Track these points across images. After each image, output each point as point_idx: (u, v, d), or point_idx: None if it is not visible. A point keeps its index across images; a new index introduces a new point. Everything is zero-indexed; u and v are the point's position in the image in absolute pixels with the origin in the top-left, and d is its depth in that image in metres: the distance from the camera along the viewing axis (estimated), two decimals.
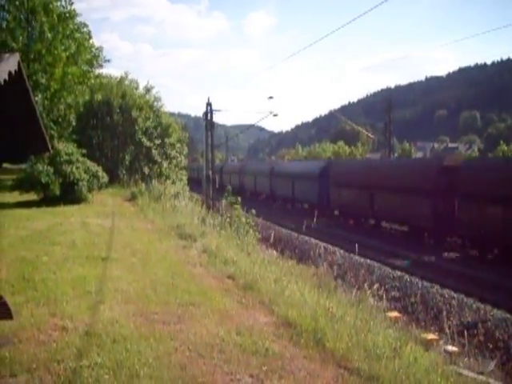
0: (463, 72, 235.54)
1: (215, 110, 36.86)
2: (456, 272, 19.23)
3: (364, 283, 12.63)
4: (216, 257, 13.83)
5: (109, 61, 52.39)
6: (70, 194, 25.97)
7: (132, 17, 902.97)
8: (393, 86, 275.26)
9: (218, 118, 39.13)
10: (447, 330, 10.75)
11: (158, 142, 42.19)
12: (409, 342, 8.42)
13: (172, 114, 58.71)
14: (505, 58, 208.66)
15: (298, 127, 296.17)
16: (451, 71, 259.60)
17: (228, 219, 21.17)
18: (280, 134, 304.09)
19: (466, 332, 11.15)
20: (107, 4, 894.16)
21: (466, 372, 8.37)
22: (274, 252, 18.61)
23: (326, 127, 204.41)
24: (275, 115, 40.88)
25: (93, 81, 45.13)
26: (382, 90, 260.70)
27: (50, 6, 40.32)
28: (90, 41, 45.47)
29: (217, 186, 37.64)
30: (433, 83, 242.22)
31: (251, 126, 62.89)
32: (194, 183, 53.68)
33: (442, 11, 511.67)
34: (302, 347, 7.35)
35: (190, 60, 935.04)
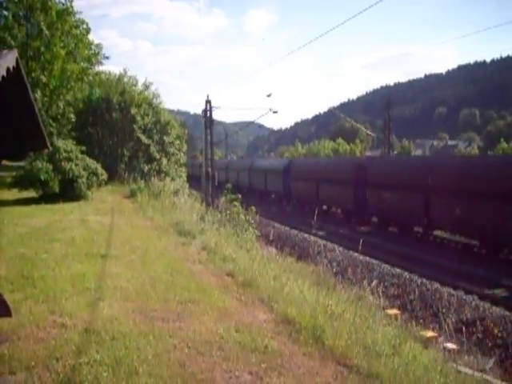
0: (462, 69, 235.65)
1: (214, 107, 36.74)
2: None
3: (362, 280, 12.63)
4: (215, 254, 13.84)
5: (108, 58, 52.41)
6: (69, 191, 25.95)
7: (131, 14, 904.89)
8: (392, 83, 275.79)
9: (217, 115, 39.35)
10: (446, 328, 10.75)
11: (156, 138, 42.18)
12: (408, 339, 8.42)
13: (171, 111, 58.85)
14: (504, 55, 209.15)
15: (297, 124, 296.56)
16: (450, 69, 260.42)
17: (227, 216, 21.17)
18: (279, 131, 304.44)
19: (461, 328, 11.14)
20: (107, 1, 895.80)
21: (465, 369, 8.37)
22: (274, 249, 18.61)
23: (326, 124, 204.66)
24: (275, 112, 40.72)
25: (91, 77, 45.10)
26: (382, 88, 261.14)
27: (49, 3, 40.23)
28: (89, 36, 45.39)
29: (216, 183, 37.58)
30: (432, 81, 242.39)
31: (251, 123, 62.76)
32: (194, 180, 54.02)
33: (441, 9, 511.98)
34: (301, 344, 7.34)
35: (189, 57, 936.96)
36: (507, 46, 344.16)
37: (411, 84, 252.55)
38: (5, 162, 13.14)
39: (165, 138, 42.66)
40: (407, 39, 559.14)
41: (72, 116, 42.08)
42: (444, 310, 14.16)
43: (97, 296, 9.08)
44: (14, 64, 6.45)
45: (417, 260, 20.89)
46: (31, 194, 26.31)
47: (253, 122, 56.99)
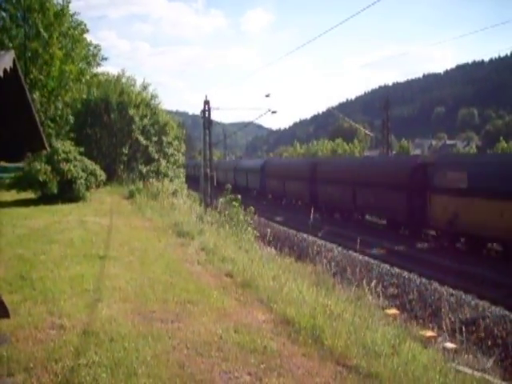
0: (461, 69, 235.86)
1: (213, 108, 36.80)
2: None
3: (362, 279, 12.61)
4: (214, 254, 13.82)
5: (106, 59, 52.46)
6: (67, 193, 25.95)
7: (130, 15, 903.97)
8: (391, 83, 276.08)
9: (215, 116, 39.59)
10: (445, 327, 10.74)
11: (155, 139, 42.19)
12: (407, 339, 8.40)
13: (170, 112, 58.92)
14: (502, 55, 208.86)
15: (296, 124, 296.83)
16: (449, 68, 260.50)
17: (226, 217, 21.16)
18: (278, 131, 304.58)
19: (460, 328, 11.13)
20: (105, 2, 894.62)
21: (464, 369, 8.36)
22: (273, 249, 18.59)
23: (324, 124, 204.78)
24: (274, 112, 40.77)
25: (88, 77, 45.12)
26: (380, 88, 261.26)
27: (47, 4, 40.25)
28: (86, 36, 45.41)
29: (215, 184, 37.61)
30: (431, 80, 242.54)
31: (249, 124, 63.02)
32: (192, 181, 54.57)
33: (439, 9, 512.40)
34: (301, 345, 7.33)
35: (187, 58, 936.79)
36: (505, 46, 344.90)
37: (410, 84, 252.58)
38: (3, 163, 13.14)
39: (163, 138, 42.66)
40: (405, 39, 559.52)
41: (70, 117, 42.11)
42: (443, 310, 14.15)
43: (95, 297, 9.07)
44: (11, 65, 6.44)
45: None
46: (30, 195, 26.31)
47: (251, 123, 57.25)
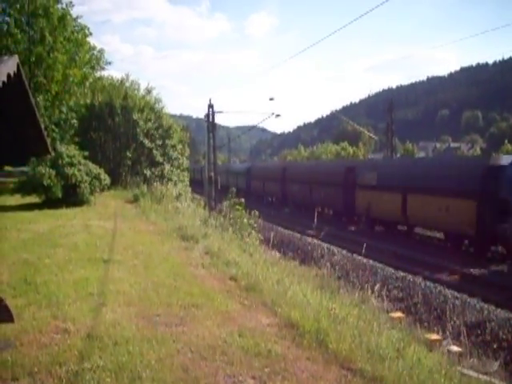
0: (465, 72, 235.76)
1: (217, 112, 36.81)
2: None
3: (367, 283, 12.59)
4: (218, 258, 13.81)
5: (110, 63, 52.66)
6: (71, 197, 25.99)
7: (133, 19, 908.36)
8: (395, 86, 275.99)
9: (219, 120, 39.75)
10: (450, 330, 10.71)
11: (159, 143, 42.25)
12: (412, 342, 8.37)
13: (174, 116, 59.12)
14: (506, 57, 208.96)
15: (300, 128, 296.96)
16: (453, 71, 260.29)
17: (230, 220, 21.15)
18: (282, 134, 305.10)
19: (465, 331, 11.10)
20: (109, 7, 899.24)
21: (469, 372, 8.33)
22: (277, 253, 18.58)
23: (328, 128, 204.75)
24: (278, 116, 40.81)
25: (91, 80, 45.21)
26: (384, 91, 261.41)
27: (51, 9, 40.38)
28: (89, 39, 45.51)
29: (219, 187, 37.65)
30: (435, 83, 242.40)
31: (253, 127, 63.17)
32: (196, 184, 55.22)
33: (443, 11, 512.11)
34: (305, 348, 7.32)
35: (191, 62, 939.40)
36: (509, 48, 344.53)
37: (414, 87, 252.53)
38: (7, 168, 13.17)
39: (167, 142, 42.71)
40: (409, 42, 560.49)
41: (75, 121, 42.21)
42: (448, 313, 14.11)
43: (100, 301, 9.07)
44: (15, 70, 6.45)
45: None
46: (34, 199, 26.35)
47: (255, 126, 57.39)
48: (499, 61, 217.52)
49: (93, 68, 47.54)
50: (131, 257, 13.39)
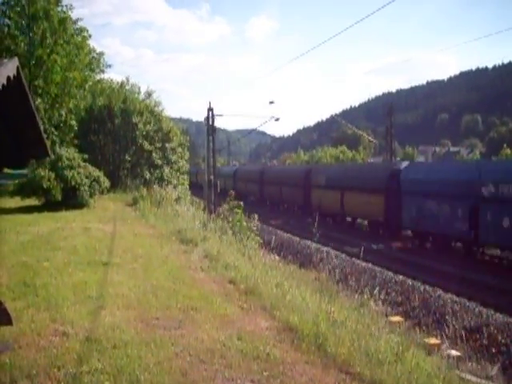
0: (464, 76, 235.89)
1: (217, 115, 36.84)
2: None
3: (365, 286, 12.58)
4: (217, 261, 13.80)
5: (110, 66, 52.73)
6: (71, 199, 26.00)
7: (134, 22, 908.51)
8: (394, 90, 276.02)
9: (219, 123, 39.77)
10: (449, 334, 10.70)
11: (158, 145, 42.26)
12: (411, 346, 8.36)
13: (174, 119, 59.16)
14: (506, 61, 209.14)
15: (299, 131, 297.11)
16: (452, 75, 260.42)
17: (229, 224, 21.14)
18: (282, 138, 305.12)
19: (464, 336, 11.10)
20: (109, 9, 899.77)
21: (468, 376, 8.33)
22: (276, 256, 18.56)
23: (328, 131, 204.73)
24: (277, 119, 40.87)
25: (91, 82, 45.25)
26: (384, 94, 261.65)
27: (51, 12, 40.44)
28: (88, 42, 45.58)
29: (218, 190, 37.67)
30: (434, 87, 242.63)
31: (253, 131, 63.47)
32: (196, 187, 55.47)
33: (443, 15, 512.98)
34: (304, 352, 7.32)
35: (191, 65, 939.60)
36: (509, 52, 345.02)
37: (413, 90, 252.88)
38: (7, 170, 13.16)
39: (167, 145, 42.72)
40: (409, 45, 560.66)
41: (74, 124, 42.22)
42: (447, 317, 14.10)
43: (98, 304, 9.07)
44: (15, 72, 6.46)
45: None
46: (33, 201, 26.36)
47: (255, 130, 57.52)
48: (499, 65, 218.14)
49: (92, 71, 47.60)
50: (130, 260, 13.39)
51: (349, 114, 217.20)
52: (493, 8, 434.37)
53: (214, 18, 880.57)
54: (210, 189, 36.19)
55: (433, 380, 6.81)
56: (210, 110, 36.27)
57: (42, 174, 25.57)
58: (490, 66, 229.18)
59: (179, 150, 44.23)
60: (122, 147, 41.90)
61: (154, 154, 41.64)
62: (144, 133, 41.59)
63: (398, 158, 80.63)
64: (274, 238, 21.18)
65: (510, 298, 16.27)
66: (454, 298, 16.03)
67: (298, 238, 28.31)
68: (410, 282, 18.36)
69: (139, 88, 47.80)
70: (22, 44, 41.25)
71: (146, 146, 41.23)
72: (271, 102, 41.91)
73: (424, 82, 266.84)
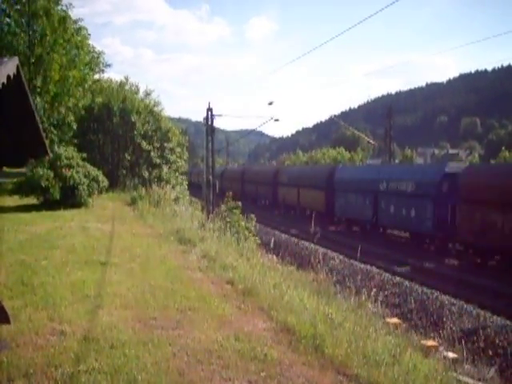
0: (464, 78, 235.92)
1: (216, 115, 36.78)
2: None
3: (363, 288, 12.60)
4: (215, 262, 13.80)
5: (110, 65, 52.66)
6: (69, 198, 25.94)
7: (134, 22, 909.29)
8: (393, 91, 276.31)
9: (218, 123, 39.75)
10: (447, 336, 10.72)
11: (157, 145, 42.23)
12: (408, 348, 8.38)
13: (173, 119, 59.19)
14: (505, 64, 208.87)
15: (298, 132, 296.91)
16: (452, 77, 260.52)
17: (228, 224, 21.14)
18: (281, 139, 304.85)
19: (461, 338, 11.11)
20: (109, 9, 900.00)
21: (465, 379, 8.34)
22: (274, 257, 18.57)
23: (327, 133, 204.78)
24: (276, 120, 40.87)
25: (90, 82, 45.22)
26: (383, 96, 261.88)
27: (51, 10, 40.41)
28: (88, 41, 45.55)
29: (217, 191, 37.67)
30: (433, 89, 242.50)
31: (252, 131, 63.63)
32: (195, 188, 55.57)
33: (442, 18, 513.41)
34: (301, 353, 7.32)
35: (191, 65, 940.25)
36: (508, 55, 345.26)
37: (412, 92, 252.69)
38: (5, 169, 13.15)
39: (165, 144, 42.68)
40: (408, 48, 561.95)
41: (73, 123, 42.18)
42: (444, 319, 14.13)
43: (96, 303, 9.07)
44: (15, 71, 6.46)
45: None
46: (32, 200, 26.31)
47: (254, 130, 57.56)
48: (498, 68, 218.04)
49: (92, 70, 47.55)
50: (128, 259, 13.38)
51: (348, 116, 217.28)
52: (492, 11, 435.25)
53: (213, 18, 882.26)
54: (209, 189, 36.16)
55: (430, 382, 6.82)
56: (209, 110, 36.23)
57: (41, 172, 25.52)
58: (490, 68, 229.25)
59: (178, 149, 44.17)
60: (121, 146, 41.85)
61: (152, 154, 41.58)
62: (142, 132, 41.54)
63: (397, 160, 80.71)
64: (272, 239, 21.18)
65: None
66: (451, 300, 16.04)
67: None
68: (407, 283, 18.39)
69: (138, 88, 47.61)
70: (22, 42, 41.21)
71: (145, 145, 41.17)
72: (270, 103, 41.83)
73: (423, 84, 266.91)
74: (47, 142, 9.49)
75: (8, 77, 6.12)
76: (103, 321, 8.17)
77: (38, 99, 38.46)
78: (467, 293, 17.04)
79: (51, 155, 18.20)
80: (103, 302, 9.16)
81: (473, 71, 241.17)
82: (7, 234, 16.63)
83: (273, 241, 19.23)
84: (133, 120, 40.93)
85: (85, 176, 27.06)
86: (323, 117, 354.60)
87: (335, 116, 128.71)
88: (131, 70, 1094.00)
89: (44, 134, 8.91)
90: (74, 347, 6.96)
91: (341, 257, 23.94)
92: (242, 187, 59.07)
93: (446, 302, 15.94)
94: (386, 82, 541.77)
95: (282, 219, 42.12)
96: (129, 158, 41.53)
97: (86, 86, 44.52)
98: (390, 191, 28.52)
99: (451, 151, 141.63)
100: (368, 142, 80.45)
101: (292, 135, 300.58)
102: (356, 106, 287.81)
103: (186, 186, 43.62)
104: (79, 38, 43.64)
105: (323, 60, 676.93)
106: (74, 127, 42.51)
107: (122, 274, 11.74)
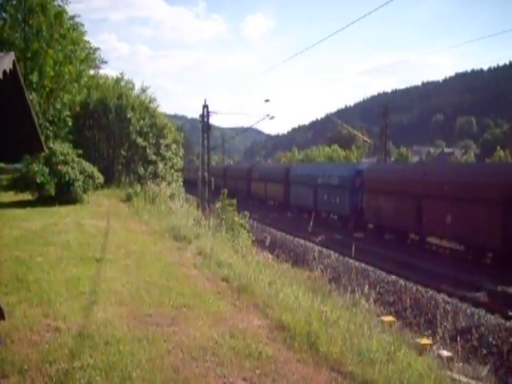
0: (460, 77, 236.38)
1: (212, 112, 36.84)
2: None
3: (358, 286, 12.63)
4: (210, 259, 13.80)
5: (106, 62, 52.53)
6: (65, 195, 25.90)
7: (130, 18, 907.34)
8: (389, 90, 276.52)
9: (214, 120, 39.83)
10: (441, 335, 10.75)
11: (153, 141, 42.16)
12: (403, 346, 8.40)
13: (169, 116, 59.02)
14: (501, 63, 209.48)
15: (294, 130, 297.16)
16: (448, 76, 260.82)
17: (223, 221, 21.15)
18: (277, 136, 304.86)
19: (456, 336, 11.15)
20: (106, 5, 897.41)
21: (459, 377, 8.37)
22: (269, 255, 18.58)
23: (323, 130, 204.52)
24: (272, 118, 40.82)
25: (86, 79, 45.08)
26: (379, 95, 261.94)
27: (48, 6, 40.25)
28: (85, 37, 45.40)
29: (212, 188, 37.69)
30: (429, 88, 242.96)
31: (248, 129, 63.66)
32: (190, 185, 55.64)
33: (439, 17, 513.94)
34: (296, 351, 7.33)
35: (187, 62, 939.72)
36: (504, 55, 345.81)
37: (408, 91, 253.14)
38: (1, 164, 13.13)
39: (161, 141, 42.63)
40: (405, 47, 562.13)
41: (69, 119, 42.06)
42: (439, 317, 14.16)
43: (91, 300, 9.06)
44: (11, 67, 6.44)
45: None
46: (27, 196, 26.26)
47: (250, 128, 57.56)
48: (494, 67, 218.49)
49: (89, 65, 47.39)
50: (123, 256, 13.37)
51: (344, 114, 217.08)
52: (488, 11, 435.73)
53: (210, 15, 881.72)
54: (204, 186, 36.16)
55: (424, 380, 6.84)
56: (206, 106, 36.24)
57: (36, 168, 25.45)
58: (486, 67, 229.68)
59: (173, 146, 44.14)
60: (117, 143, 41.80)
61: (148, 150, 41.53)
62: (138, 128, 41.47)
63: (393, 159, 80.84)
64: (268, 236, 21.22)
65: None
66: (446, 299, 16.09)
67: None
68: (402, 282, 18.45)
69: (134, 84, 47.46)
70: (18, 37, 41.03)
71: (140, 141, 41.11)
72: (266, 100, 41.87)
73: (419, 83, 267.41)
74: (42, 138, 9.46)
75: (4, 72, 6.10)
76: (98, 317, 8.16)
77: (34, 95, 38.29)
78: (366, 258, 22.11)
79: (47, 151, 18.13)
80: (98, 299, 9.15)
81: (469, 70, 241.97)
82: (2, 230, 16.59)
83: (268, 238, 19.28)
84: (128, 116, 40.87)
85: (80, 172, 27.02)
86: (319, 115, 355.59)
87: (331, 114, 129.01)
88: (127, 66, 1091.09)
89: (40, 130, 8.89)
90: (68, 343, 6.95)
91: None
92: (225, 182, 60.47)
93: (441, 301, 15.98)
94: (382, 81, 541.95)
95: (255, 208, 44.77)
96: (124, 154, 41.49)
97: (82, 82, 44.35)
98: (324, 184, 36.95)
99: (446, 150, 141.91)
100: (364, 141, 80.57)
101: (288, 133, 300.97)
102: (352, 104, 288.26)
103: (182, 183, 43.59)
104: (75, 34, 43.45)
105: (320, 58, 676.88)
106: (70, 123, 42.38)
107: (117, 270, 11.73)
